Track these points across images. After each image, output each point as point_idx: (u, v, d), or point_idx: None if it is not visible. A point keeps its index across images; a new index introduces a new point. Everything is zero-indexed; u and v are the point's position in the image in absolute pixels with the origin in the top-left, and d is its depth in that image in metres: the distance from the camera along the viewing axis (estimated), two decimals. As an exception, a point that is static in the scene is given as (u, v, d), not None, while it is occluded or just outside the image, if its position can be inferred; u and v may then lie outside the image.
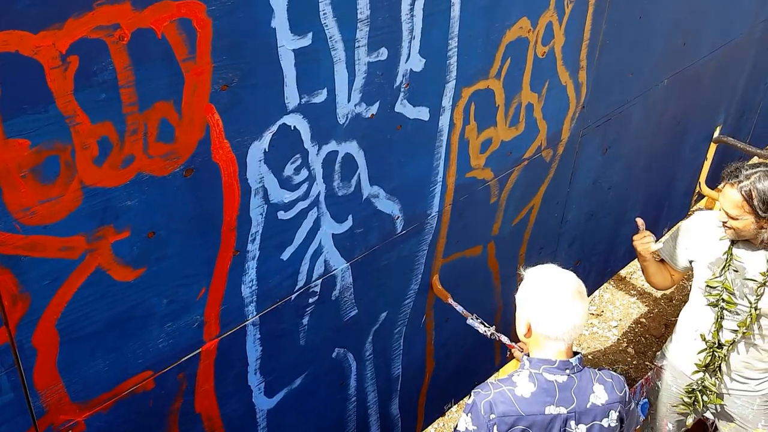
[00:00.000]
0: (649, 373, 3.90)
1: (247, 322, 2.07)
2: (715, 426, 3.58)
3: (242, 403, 2.22)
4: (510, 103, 2.56)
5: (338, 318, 2.41)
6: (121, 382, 1.81)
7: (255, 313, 2.07)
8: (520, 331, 2.16)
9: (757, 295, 2.66)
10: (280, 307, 2.15)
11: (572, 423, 2.07)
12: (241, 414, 2.24)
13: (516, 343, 2.51)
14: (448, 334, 3.02)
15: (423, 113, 2.22)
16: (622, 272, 5.31)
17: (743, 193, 2.53)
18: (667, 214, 4.48)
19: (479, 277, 3.04)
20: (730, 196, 2.57)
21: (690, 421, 3.04)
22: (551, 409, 2.05)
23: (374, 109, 2.05)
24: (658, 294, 5.18)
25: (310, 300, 2.24)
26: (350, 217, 2.20)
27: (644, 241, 2.92)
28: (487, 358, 3.40)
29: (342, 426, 2.75)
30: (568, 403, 2.07)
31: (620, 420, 2.15)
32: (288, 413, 2.42)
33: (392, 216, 2.35)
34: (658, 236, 4.66)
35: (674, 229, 3.01)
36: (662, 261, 3.04)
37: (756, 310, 2.66)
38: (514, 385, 2.09)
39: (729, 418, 2.96)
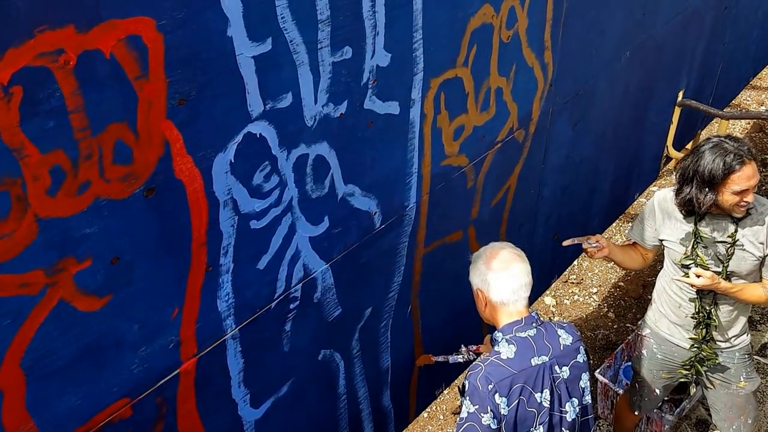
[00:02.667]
0: (629, 337, 3.86)
1: (226, 337, 1.93)
2: (697, 383, 3.56)
3: (228, 418, 2.09)
4: (479, 89, 2.43)
5: (322, 320, 2.29)
6: (96, 414, 1.67)
7: (234, 326, 1.94)
8: (480, 307, 2.26)
9: (728, 256, 2.63)
10: (260, 317, 2.01)
11: (557, 368, 2.14)
12: (228, 428, 2.11)
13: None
14: (434, 319, 2.91)
15: (393, 107, 2.09)
16: (598, 239, 5.23)
17: (753, 157, 2.50)
18: (637, 179, 4.40)
19: (462, 261, 2.92)
20: (749, 171, 2.48)
21: (691, 391, 3.02)
22: (536, 360, 2.10)
23: (343, 108, 1.91)
24: (634, 258, 5.11)
25: (291, 306, 2.12)
26: (326, 218, 2.06)
27: (595, 251, 2.83)
28: (475, 338, 3.30)
29: (334, 425, 2.64)
30: (546, 351, 2.13)
31: (585, 352, 2.24)
32: (277, 421, 2.30)
33: (369, 212, 2.22)
34: (630, 202, 4.60)
35: (641, 212, 2.93)
36: (633, 243, 2.98)
37: (727, 270, 2.64)
38: (498, 354, 2.12)
39: (713, 375, 2.94)
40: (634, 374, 3.15)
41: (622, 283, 4.97)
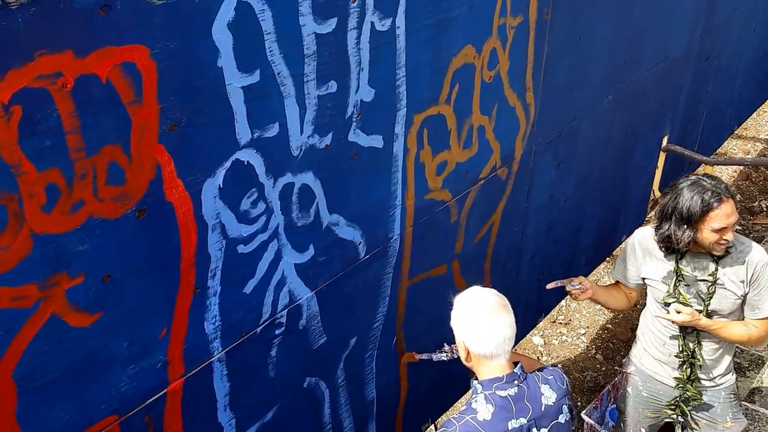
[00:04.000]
0: (615, 379, 3.88)
1: (212, 359, 1.99)
2: (682, 426, 3.57)
3: (214, 441, 2.14)
4: (462, 126, 2.53)
5: (307, 347, 2.34)
6: (85, 429, 1.72)
7: (220, 348, 2.00)
8: (462, 356, 2.19)
9: (709, 294, 2.67)
10: (246, 341, 2.08)
11: (534, 430, 2.08)
12: (214, 451, 2.15)
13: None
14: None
15: (377, 141, 2.19)
16: (585, 281, 5.30)
17: (731, 195, 2.53)
18: (624, 221, 4.49)
19: (447, 295, 2.99)
20: (728, 209, 2.52)
21: (677, 428, 3.03)
22: (513, 423, 2.05)
23: (328, 140, 2.00)
24: (621, 300, 5.16)
25: (277, 331, 2.18)
26: (311, 247, 2.14)
27: (579, 293, 2.88)
28: (461, 375, 3.34)
29: (318, 454, 2.67)
30: (525, 413, 2.07)
31: (570, 410, 2.18)
32: (262, 446, 2.34)
33: (354, 242, 2.30)
34: (617, 244, 4.67)
35: (622, 251, 3.00)
36: (616, 283, 3.04)
37: (708, 308, 2.67)
38: (474, 412, 2.07)
39: (698, 416, 2.94)
40: (619, 414, 3.17)
41: (610, 326, 5.02)
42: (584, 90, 3.25)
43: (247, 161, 1.79)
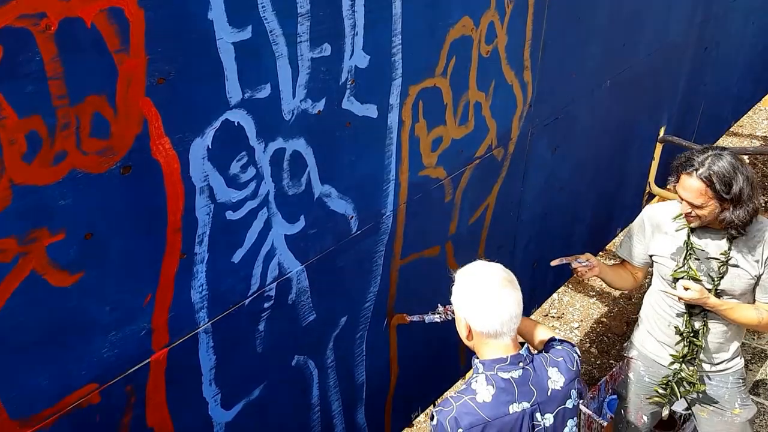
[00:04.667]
0: (613, 369, 3.86)
1: (198, 330, 1.95)
2: (684, 419, 3.54)
3: (198, 417, 2.09)
4: (458, 101, 2.50)
5: (296, 323, 2.31)
6: (65, 397, 1.68)
7: (207, 319, 1.96)
8: (462, 334, 2.07)
9: (720, 274, 2.61)
10: (233, 312, 2.04)
11: (538, 416, 1.98)
12: (197, 428, 2.11)
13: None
14: (411, 337, 2.93)
15: (371, 110, 2.15)
16: (579, 275, 5.28)
17: (703, 179, 2.45)
18: (619, 214, 4.47)
19: (440, 278, 2.96)
20: (691, 185, 2.48)
21: (666, 412, 2.95)
22: (514, 408, 1.95)
23: (320, 105, 1.97)
24: (617, 293, 5.16)
25: (265, 305, 2.14)
26: (302, 218, 2.11)
27: (585, 270, 2.82)
28: (452, 362, 3.32)
29: (306, 437, 2.63)
30: (529, 397, 1.97)
31: (579, 394, 2.09)
32: (247, 426, 2.29)
33: (346, 216, 2.27)
34: (611, 237, 4.65)
35: (628, 228, 2.95)
36: (622, 262, 2.99)
37: (718, 288, 2.62)
38: (474, 393, 1.97)
39: (705, 402, 2.86)
40: (620, 400, 3.10)
41: (605, 319, 5.00)
42: (582, 73, 3.23)
43: (237, 122, 1.76)
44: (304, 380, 2.47)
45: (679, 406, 3.59)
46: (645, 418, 3.02)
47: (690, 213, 2.54)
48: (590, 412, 3.44)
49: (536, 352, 2.13)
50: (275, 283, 2.13)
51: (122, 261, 1.66)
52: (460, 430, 1.91)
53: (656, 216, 2.78)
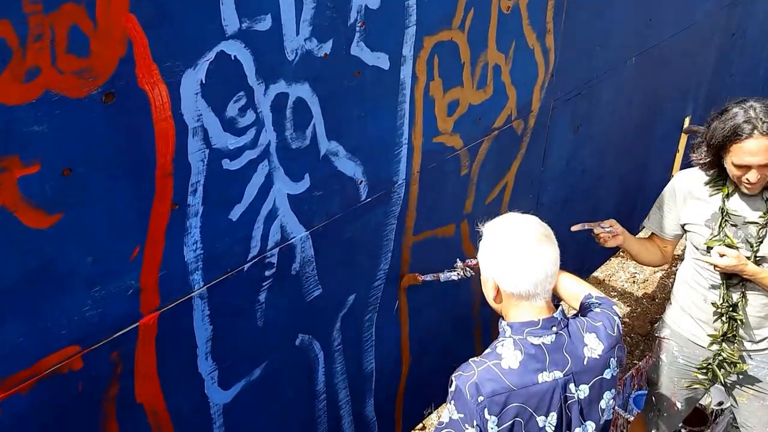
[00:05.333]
0: (639, 364, 3.67)
1: (192, 294, 1.79)
2: (716, 414, 3.33)
3: (193, 396, 1.93)
4: (476, 61, 2.36)
5: (300, 298, 2.14)
6: (42, 358, 1.52)
7: (201, 283, 1.80)
8: (489, 296, 1.85)
9: (759, 238, 2.42)
10: (231, 278, 1.88)
11: (572, 387, 1.77)
12: (192, 408, 1.95)
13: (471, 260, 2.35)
14: (423, 325, 2.76)
15: (382, 60, 2.01)
16: (600, 275, 5.10)
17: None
18: (642, 207, 4.29)
19: (454, 262, 2.79)
20: (757, 147, 2.25)
21: (708, 399, 2.71)
22: (544, 377, 1.74)
23: (327, 48, 1.82)
24: (640, 293, 4.98)
25: (267, 272, 1.98)
26: (307, 176, 1.95)
27: (608, 237, 2.64)
28: (466, 354, 3.13)
29: (312, 428, 2.45)
30: (562, 366, 1.76)
31: (619, 362, 1.87)
32: (247, 410, 2.13)
33: (354, 179, 2.11)
34: (635, 232, 4.47)
35: (658, 198, 2.77)
36: (650, 236, 2.80)
37: (757, 255, 2.43)
38: (499, 357, 1.76)
39: (744, 385, 2.65)
40: (651, 386, 2.88)
41: (627, 319, 4.81)
42: (607, 46, 3.08)
43: (234, 56, 1.61)
44: (309, 364, 2.31)
45: (713, 400, 3.39)
46: (679, 404, 2.79)
47: (754, 181, 2.31)
48: (615, 407, 3.25)
49: (572, 315, 1.92)
50: (277, 249, 1.98)
51: (106, 205, 1.50)
52: (481, 398, 1.72)
53: (687, 183, 2.60)
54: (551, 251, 1.77)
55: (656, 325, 2.91)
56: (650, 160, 4.13)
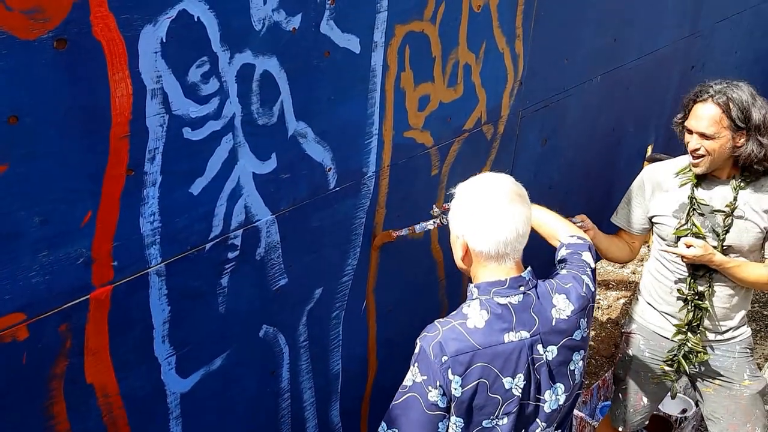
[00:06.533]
0: (605, 374, 3.53)
1: (149, 270, 1.64)
2: (680, 422, 3.20)
3: (148, 380, 1.76)
4: (447, 57, 2.27)
5: (265, 285, 2.00)
6: (-19, 322, 1.36)
7: (159, 258, 1.65)
8: (457, 255, 1.73)
9: (725, 227, 2.33)
10: (192, 256, 1.73)
11: (539, 348, 1.65)
12: (148, 394, 1.78)
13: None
14: (391, 328, 2.61)
15: (353, 43, 1.91)
16: (567, 298, 4.99)
17: (720, 103, 2.23)
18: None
19: (422, 266, 2.67)
20: (703, 112, 2.26)
21: (674, 391, 2.58)
22: (510, 336, 1.63)
23: (296, 22, 1.72)
24: (604, 318, 4.86)
25: (230, 255, 1.84)
26: (274, 156, 1.83)
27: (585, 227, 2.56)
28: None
29: (275, 428, 2.28)
30: (529, 326, 1.64)
31: (589, 322, 1.76)
32: (207, 401, 1.96)
33: (323, 165, 1.99)
34: (598, 257, 4.38)
35: (627, 193, 2.68)
36: (618, 232, 2.70)
37: (723, 243, 2.33)
38: (465, 317, 1.65)
39: (711, 376, 2.52)
40: (617, 382, 2.73)
41: (592, 342, 4.68)
42: (574, 61, 3.02)
43: (198, 17, 1.50)
44: (274, 357, 2.15)
45: (676, 409, 3.25)
46: (645, 400, 2.65)
47: (697, 150, 2.28)
48: (583, 415, 3.10)
49: (543, 280, 1.77)
50: (241, 231, 1.84)
51: (55, 162, 1.37)
52: (445, 357, 1.59)
53: (657, 174, 2.51)
54: (524, 211, 1.66)
55: (623, 321, 2.79)
56: (615, 183, 4.06)
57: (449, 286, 2.83)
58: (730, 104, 2.23)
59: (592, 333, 4.74)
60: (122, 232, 1.54)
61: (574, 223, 2.42)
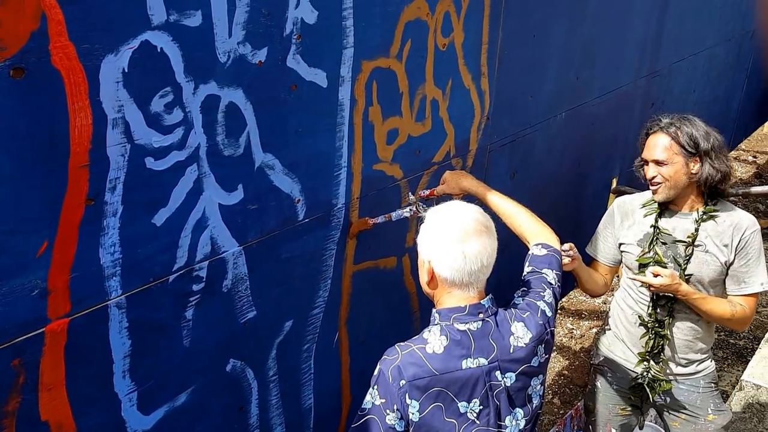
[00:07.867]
0: (578, 404, 3.46)
1: (109, 302, 1.55)
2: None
3: (108, 417, 1.65)
4: (414, 93, 2.23)
5: (232, 318, 1.91)
6: (-74, 357, 1.26)
7: (120, 291, 1.57)
8: (423, 279, 1.72)
9: (686, 257, 2.31)
10: (154, 288, 1.65)
11: (497, 374, 1.64)
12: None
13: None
14: (365, 360, 2.51)
15: (320, 78, 1.86)
16: (538, 330, 4.94)
17: (669, 132, 2.31)
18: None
19: (396, 297, 2.59)
20: (656, 142, 2.34)
21: (641, 422, 2.55)
22: (468, 363, 1.62)
23: (262, 55, 1.67)
24: (577, 347, 4.82)
25: (195, 287, 1.75)
26: (240, 187, 1.76)
27: (567, 261, 2.51)
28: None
29: (243, 465, 2.16)
30: (487, 353, 1.63)
31: (548, 348, 1.73)
32: (172, 438, 1.85)
33: (292, 197, 1.93)
34: (569, 288, 4.34)
35: (600, 224, 2.67)
36: (592, 262, 2.66)
37: (685, 273, 2.30)
38: (425, 342, 1.64)
39: (676, 409, 2.48)
40: (587, 413, 2.68)
41: (566, 372, 4.62)
42: (539, 97, 3.01)
43: (161, 48, 1.44)
44: (242, 393, 2.05)
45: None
46: (614, 431, 2.61)
47: (654, 177, 2.31)
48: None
49: (502, 307, 1.75)
50: (207, 262, 1.76)
51: (11, 189, 1.29)
52: (403, 381, 1.58)
53: (626, 204, 2.54)
54: (489, 243, 1.68)
55: (591, 353, 2.74)
56: (581, 218, 4.04)
57: (423, 318, 2.75)
58: (678, 132, 2.30)
59: (566, 362, 4.68)
60: (81, 262, 1.46)
61: (563, 250, 2.38)
